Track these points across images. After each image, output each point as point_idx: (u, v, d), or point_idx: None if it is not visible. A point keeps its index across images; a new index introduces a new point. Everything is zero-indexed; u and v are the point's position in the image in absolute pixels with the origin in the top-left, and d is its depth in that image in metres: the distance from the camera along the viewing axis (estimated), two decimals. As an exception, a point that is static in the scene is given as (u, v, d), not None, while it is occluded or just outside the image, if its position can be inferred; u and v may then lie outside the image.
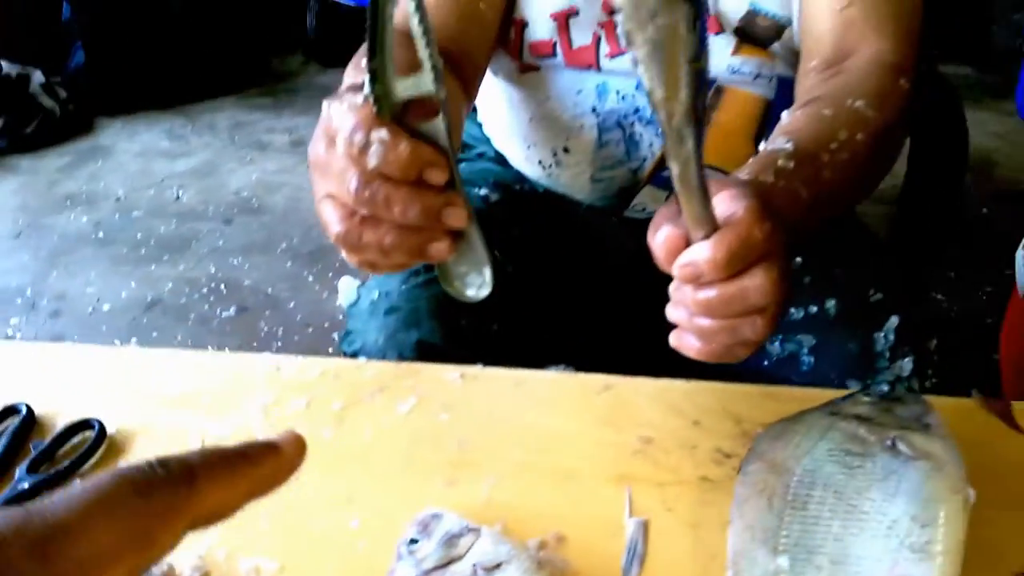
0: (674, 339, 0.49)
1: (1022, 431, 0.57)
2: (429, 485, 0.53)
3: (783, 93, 0.80)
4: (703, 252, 0.43)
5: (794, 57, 0.78)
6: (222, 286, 1.89)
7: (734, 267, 0.44)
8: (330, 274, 1.90)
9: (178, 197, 2.25)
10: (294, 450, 0.34)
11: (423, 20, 0.40)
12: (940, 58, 2.90)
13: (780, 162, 0.53)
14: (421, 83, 0.41)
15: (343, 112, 0.43)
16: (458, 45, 0.73)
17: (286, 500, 0.36)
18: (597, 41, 0.82)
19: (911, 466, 0.50)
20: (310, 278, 1.92)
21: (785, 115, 0.62)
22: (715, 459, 0.55)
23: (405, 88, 0.42)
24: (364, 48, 0.43)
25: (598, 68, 0.83)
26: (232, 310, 1.82)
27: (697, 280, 0.44)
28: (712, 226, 0.44)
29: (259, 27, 3.09)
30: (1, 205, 2.22)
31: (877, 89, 0.65)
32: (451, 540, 0.46)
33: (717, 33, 0.80)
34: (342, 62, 0.61)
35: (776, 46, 0.80)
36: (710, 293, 0.45)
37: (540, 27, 0.81)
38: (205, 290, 1.89)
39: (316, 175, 0.46)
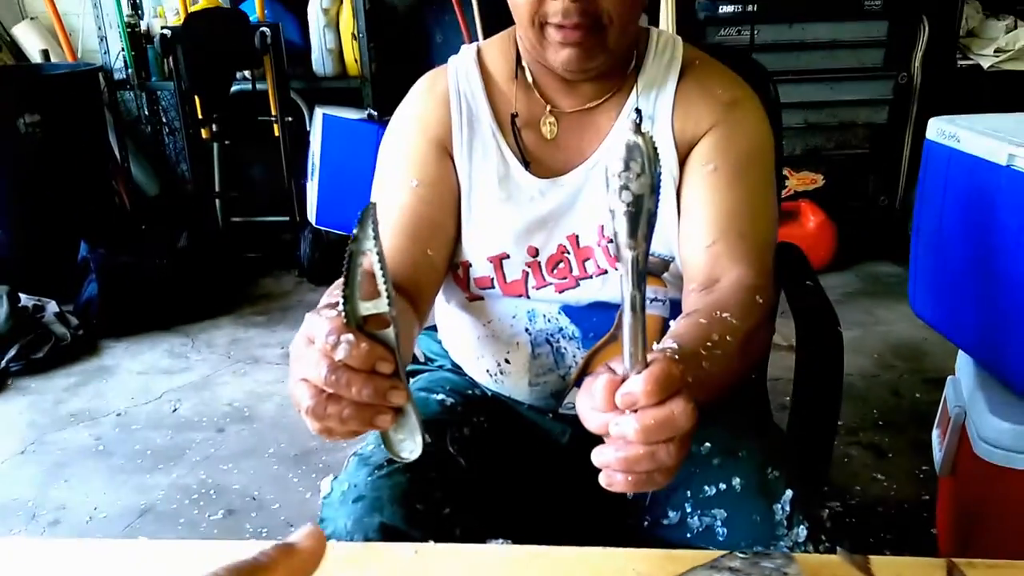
0: (604, 479, 0.57)
1: None
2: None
3: (676, 313, 0.94)
4: (638, 383, 0.54)
5: (681, 282, 0.96)
6: (211, 491, 1.96)
7: (662, 394, 0.54)
8: (313, 475, 1.98)
9: (175, 409, 2.35)
10: (312, 545, 0.37)
11: (383, 265, 0.55)
12: (867, 257, 3.17)
13: (669, 355, 0.63)
14: (379, 305, 0.56)
15: (321, 321, 0.56)
16: (412, 283, 0.90)
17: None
18: (525, 276, 0.99)
19: (768, 608, 0.61)
20: (295, 479, 1.99)
21: (672, 324, 0.77)
22: (621, 608, 0.65)
23: (366, 308, 0.56)
24: (339, 280, 0.59)
25: (527, 296, 0.99)
26: (220, 513, 1.88)
27: (633, 407, 0.55)
28: (644, 365, 0.56)
29: (257, 254, 3.35)
30: (10, 423, 2.31)
31: (739, 304, 0.80)
32: None
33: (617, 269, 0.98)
34: (328, 281, 0.77)
35: (666, 275, 0.99)
36: (646, 416, 0.54)
37: (480, 266, 0.99)
38: (195, 495, 1.95)
39: (294, 365, 0.59)
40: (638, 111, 0.53)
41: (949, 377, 1.51)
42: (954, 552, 1.34)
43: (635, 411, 0.55)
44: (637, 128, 0.52)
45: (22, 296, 2.75)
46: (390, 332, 0.57)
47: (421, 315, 0.93)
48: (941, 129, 1.42)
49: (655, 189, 0.52)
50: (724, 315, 0.77)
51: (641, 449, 0.55)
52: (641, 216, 0.52)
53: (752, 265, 0.88)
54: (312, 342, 0.57)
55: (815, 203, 3.06)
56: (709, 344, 0.72)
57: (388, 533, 0.82)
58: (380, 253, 0.55)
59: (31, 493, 1.99)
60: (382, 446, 0.91)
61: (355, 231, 0.55)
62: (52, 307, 2.78)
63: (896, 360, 2.46)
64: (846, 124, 3.04)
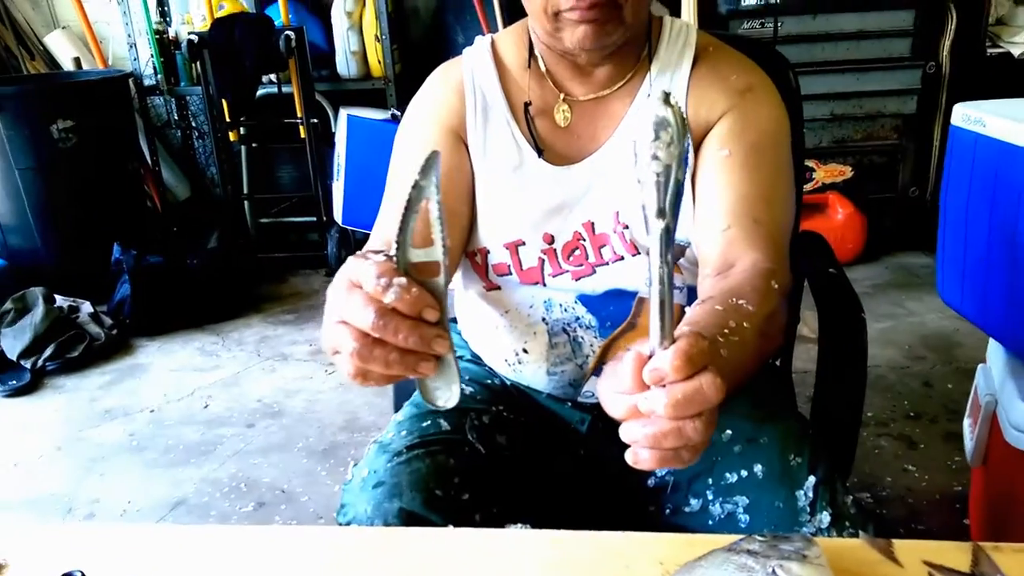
0: (630, 456, 0.56)
1: (900, 564, 0.66)
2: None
3: (693, 299, 0.90)
4: (667, 358, 0.52)
5: (698, 269, 0.95)
6: (242, 484, 2.00)
7: (691, 369, 0.53)
8: (341, 468, 2.01)
9: (206, 406, 2.39)
10: None
11: (440, 214, 0.55)
12: (897, 248, 3.13)
13: (696, 330, 0.62)
14: (431, 253, 0.56)
15: (368, 265, 0.56)
16: None
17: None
18: (541, 264, 0.99)
19: (787, 589, 0.61)
20: (323, 472, 2.02)
21: (688, 311, 0.76)
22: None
23: (417, 255, 0.56)
24: (380, 226, 0.56)
25: (544, 284, 1.00)
26: (250, 506, 1.91)
27: (661, 382, 0.53)
28: (672, 340, 0.54)
29: (286, 254, 3.39)
30: (46, 421, 2.37)
31: (755, 290, 0.78)
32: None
33: (635, 255, 0.97)
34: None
35: (683, 261, 0.99)
36: (675, 390, 0.53)
37: (498, 253, 1.00)
38: (226, 488, 1.98)
39: (334, 307, 0.58)
40: (666, 93, 0.51)
41: (980, 365, 1.49)
42: (987, 541, 1.32)
43: (663, 387, 0.54)
44: (666, 99, 0.51)
45: (57, 297, 2.81)
46: (439, 280, 0.57)
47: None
48: (966, 115, 1.40)
49: (684, 161, 0.52)
50: (740, 302, 0.76)
51: (669, 424, 0.54)
52: (670, 186, 0.52)
53: (767, 250, 0.88)
54: (357, 286, 0.56)
55: (843, 195, 3.02)
56: (726, 331, 0.71)
57: (408, 518, 0.83)
58: (439, 202, 0.55)
59: (67, 488, 2.04)
60: (402, 434, 0.93)
61: (416, 178, 0.55)
62: (87, 308, 2.83)
63: (927, 351, 2.43)
64: (873, 115, 3.00)
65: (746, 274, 0.84)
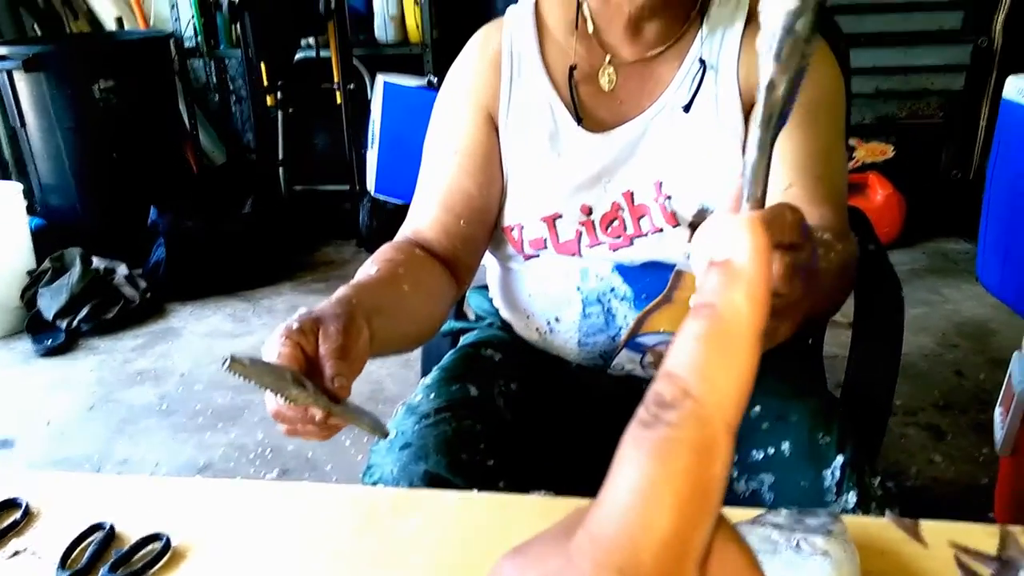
0: None
1: (926, 544, 0.65)
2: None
3: None
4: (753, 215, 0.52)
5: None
6: (268, 451, 2.02)
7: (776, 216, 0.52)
8: (365, 439, 2.01)
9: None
10: None
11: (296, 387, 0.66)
12: (937, 234, 3.06)
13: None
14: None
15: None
16: (448, 252, 0.95)
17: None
18: (579, 236, 0.98)
19: (811, 561, 0.60)
20: (347, 442, 2.03)
21: None
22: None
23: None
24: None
25: (580, 255, 0.98)
26: (275, 473, 1.94)
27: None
28: (761, 206, 0.53)
29: (318, 222, 3.41)
30: (79, 381, 2.41)
31: (834, 234, 0.78)
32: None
33: (675, 226, 0.94)
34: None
35: None
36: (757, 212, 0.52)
37: (533, 228, 0.99)
38: (252, 455, 2.01)
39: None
40: None
41: (1015, 353, 1.46)
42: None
43: None
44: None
45: (94, 258, 2.85)
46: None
47: (460, 282, 0.97)
48: (1022, 88, 1.36)
49: (813, 23, 0.45)
50: (825, 236, 0.75)
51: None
52: (793, 42, 0.44)
53: (833, 208, 0.86)
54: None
55: (884, 175, 2.95)
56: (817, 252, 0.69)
57: (433, 480, 0.83)
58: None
59: (96, 447, 2.08)
60: (431, 397, 0.93)
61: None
62: (123, 270, 2.86)
63: (961, 340, 2.37)
64: (919, 92, 2.92)
65: (820, 222, 0.83)
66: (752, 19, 0.95)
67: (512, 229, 1.00)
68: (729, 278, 0.24)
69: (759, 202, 0.50)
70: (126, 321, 2.72)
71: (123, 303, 2.74)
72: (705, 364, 0.23)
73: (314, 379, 0.68)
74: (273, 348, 0.68)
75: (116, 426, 2.17)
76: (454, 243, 0.96)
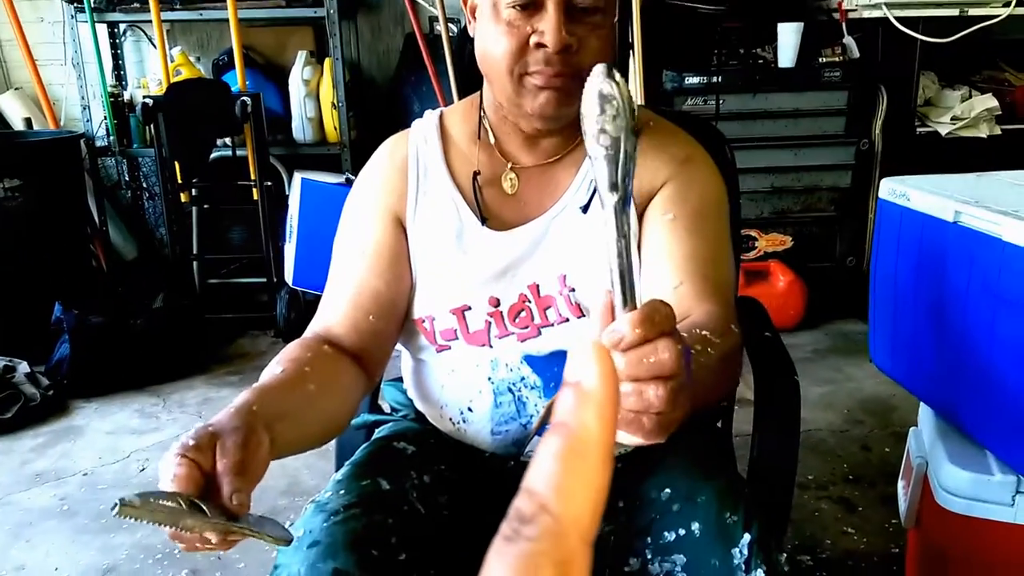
0: None
1: None
2: None
3: None
4: (625, 321, 0.52)
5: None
6: (176, 551, 1.92)
7: (650, 333, 0.53)
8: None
9: (143, 469, 2.32)
10: None
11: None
12: (836, 316, 3.20)
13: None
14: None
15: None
16: (357, 347, 0.97)
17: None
18: (488, 327, 1.02)
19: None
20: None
21: None
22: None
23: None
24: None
25: (490, 345, 1.02)
26: (184, 574, 1.85)
27: (619, 345, 0.53)
28: (634, 307, 0.53)
29: (234, 315, 3.36)
30: (-27, 484, 2.26)
31: (716, 328, 0.82)
32: None
33: (579, 317, 0.99)
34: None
35: None
36: (631, 352, 0.53)
37: (444, 319, 1.02)
38: (159, 555, 1.91)
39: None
40: (608, 66, 0.51)
41: (912, 429, 1.54)
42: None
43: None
44: (608, 72, 0.51)
45: (-7, 357, 2.74)
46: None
47: (371, 375, 0.99)
48: (892, 189, 1.48)
49: (632, 131, 0.51)
50: (704, 332, 0.78)
51: (627, 386, 0.54)
52: (620, 158, 0.51)
53: (719, 302, 0.91)
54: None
55: (784, 263, 3.12)
56: (694, 351, 0.72)
57: None
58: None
59: (-9, 554, 1.95)
60: (340, 493, 0.92)
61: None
62: (23, 368, 2.76)
63: (865, 415, 2.49)
64: (811, 188, 3.13)
65: (705, 318, 0.86)
66: (640, 132, 1.02)
67: (423, 321, 1.03)
68: (580, 399, 0.27)
69: (632, 304, 0.55)
70: (26, 420, 2.60)
71: (23, 402, 2.63)
72: (561, 480, 0.25)
73: (212, 496, 0.67)
74: (169, 469, 0.67)
75: (12, 530, 2.05)
76: (363, 338, 0.98)
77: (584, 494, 0.25)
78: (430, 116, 1.08)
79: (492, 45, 0.93)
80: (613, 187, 0.51)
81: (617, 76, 0.51)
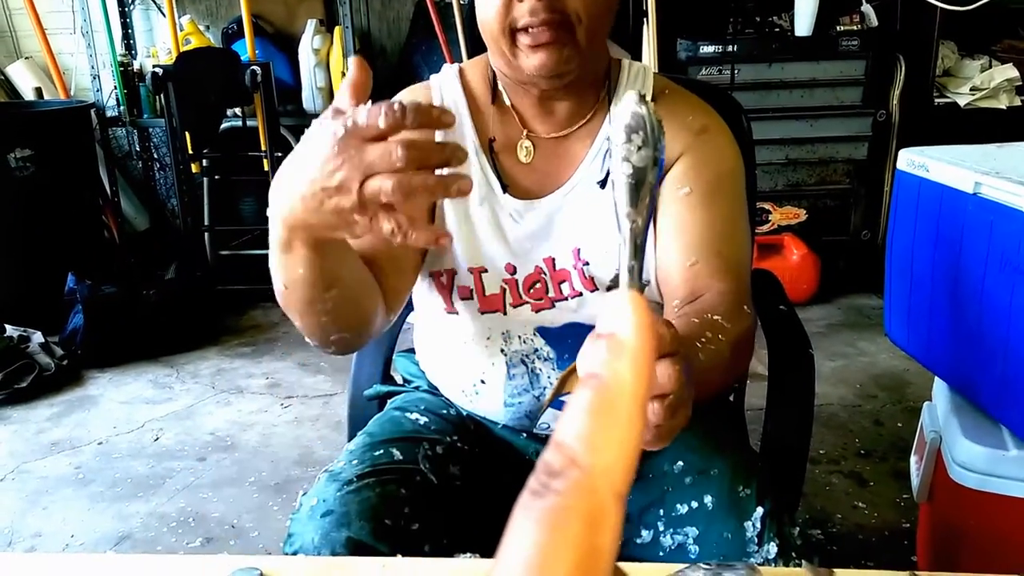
0: None
1: None
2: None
3: None
4: None
5: (656, 308, 0.98)
6: (190, 519, 1.95)
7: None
8: (294, 503, 1.95)
9: (157, 439, 2.34)
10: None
11: None
12: (850, 290, 3.19)
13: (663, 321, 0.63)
14: None
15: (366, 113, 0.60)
16: (384, 271, 0.91)
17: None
18: (503, 293, 1.01)
19: (727, 612, 0.62)
20: (275, 508, 1.98)
21: None
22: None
23: None
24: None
25: (504, 312, 1.01)
26: (198, 541, 1.87)
27: None
28: None
29: (245, 286, 3.36)
30: (-9, 452, 2.30)
31: (727, 311, 0.82)
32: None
33: (593, 291, 0.98)
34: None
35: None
36: None
37: (463, 276, 1.01)
38: (174, 523, 1.93)
39: (333, 171, 0.61)
40: (640, 94, 0.50)
41: (925, 403, 1.53)
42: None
43: None
44: (641, 99, 0.50)
45: (8, 327, 2.76)
46: None
47: (389, 310, 0.93)
48: (911, 160, 1.46)
49: (657, 162, 0.50)
50: (715, 317, 0.79)
51: None
52: (643, 188, 0.50)
53: (733, 280, 0.91)
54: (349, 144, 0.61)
55: (798, 237, 3.09)
56: (703, 340, 0.73)
57: (355, 548, 0.82)
58: None
59: (8, 520, 1.98)
60: (353, 463, 0.92)
61: None
62: (38, 338, 2.78)
63: (878, 390, 2.48)
64: (826, 160, 3.09)
65: (717, 299, 0.87)
66: (656, 100, 1.01)
67: (441, 275, 1.02)
68: (614, 350, 0.25)
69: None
70: (41, 390, 2.63)
71: (38, 371, 2.65)
72: (592, 433, 0.23)
73: None
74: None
75: (29, 498, 2.07)
76: (382, 263, 0.92)
77: (616, 447, 0.24)
78: (448, 71, 1.06)
79: (484, 6, 0.91)
80: (631, 216, 0.50)
81: (648, 104, 0.50)
